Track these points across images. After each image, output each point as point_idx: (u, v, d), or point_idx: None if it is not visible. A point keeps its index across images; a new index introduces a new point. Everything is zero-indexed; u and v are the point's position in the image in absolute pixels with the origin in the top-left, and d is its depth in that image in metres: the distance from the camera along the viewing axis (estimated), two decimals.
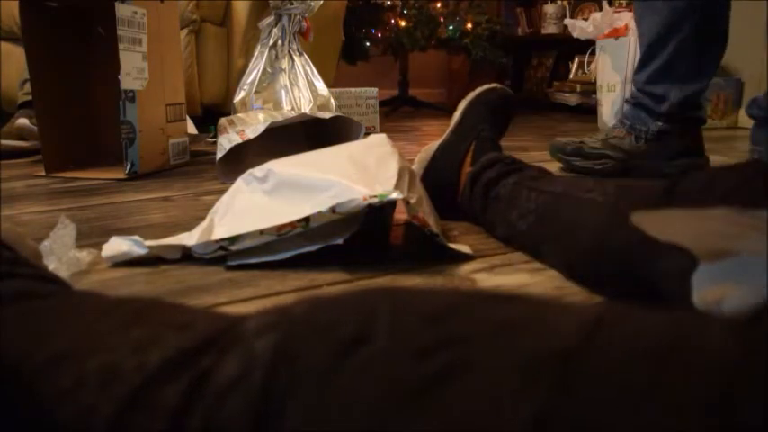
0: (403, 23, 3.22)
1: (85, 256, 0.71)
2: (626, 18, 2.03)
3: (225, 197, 0.78)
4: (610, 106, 2.12)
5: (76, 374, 0.27)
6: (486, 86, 0.98)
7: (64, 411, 0.27)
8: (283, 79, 1.45)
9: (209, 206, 0.79)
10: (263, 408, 0.23)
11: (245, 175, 0.78)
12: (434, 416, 0.20)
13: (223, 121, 1.33)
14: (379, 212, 0.75)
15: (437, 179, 0.90)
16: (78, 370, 0.27)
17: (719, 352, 0.18)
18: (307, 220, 0.68)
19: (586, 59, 2.76)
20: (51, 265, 0.66)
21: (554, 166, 1.31)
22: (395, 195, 0.68)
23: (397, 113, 3.15)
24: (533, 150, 1.72)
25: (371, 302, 0.25)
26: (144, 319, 0.30)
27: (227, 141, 1.24)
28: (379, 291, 0.27)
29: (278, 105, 1.43)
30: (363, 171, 0.73)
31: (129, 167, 1.32)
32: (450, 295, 0.26)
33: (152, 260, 0.73)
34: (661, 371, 0.18)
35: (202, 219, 0.76)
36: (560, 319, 0.22)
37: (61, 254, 0.68)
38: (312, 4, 1.47)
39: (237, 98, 1.46)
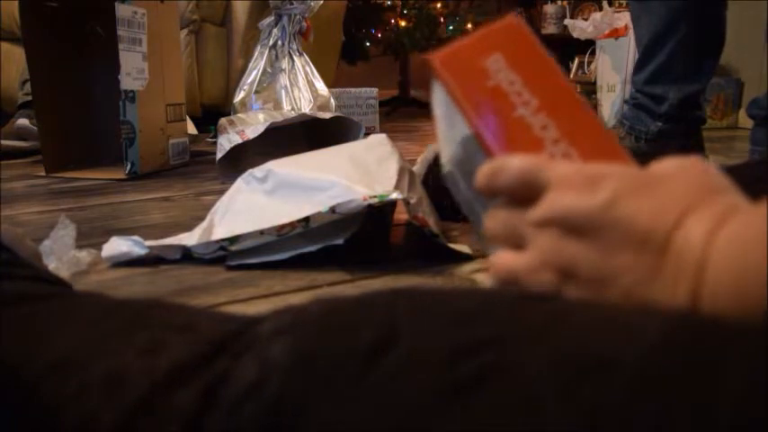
0: (403, 23, 3.22)
1: (85, 256, 0.71)
2: (626, 18, 2.03)
3: (225, 197, 0.78)
4: (610, 106, 2.12)
5: (81, 379, 0.27)
6: None
7: (69, 416, 0.26)
8: (283, 79, 1.45)
9: (209, 206, 0.79)
10: (282, 414, 0.22)
11: (245, 175, 0.78)
12: (470, 421, 0.19)
13: (223, 121, 1.33)
14: (379, 212, 0.75)
15: (440, 179, 0.90)
16: (83, 375, 0.27)
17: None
18: (307, 220, 0.68)
19: (586, 59, 2.76)
20: (51, 265, 0.66)
21: None
22: (395, 195, 0.67)
23: (397, 113, 3.15)
24: None
25: (390, 304, 0.24)
26: (146, 321, 0.30)
27: (227, 141, 1.24)
28: (396, 292, 0.26)
29: (278, 105, 1.43)
30: (363, 171, 0.73)
31: (129, 167, 1.32)
32: (475, 295, 0.25)
33: (152, 260, 0.73)
34: (703, 380, 0.18)
35: (202, 219, 0.76)
36: (595, 325, 0.21)
37: (61, 254, 0.68)
38: (312, 4, 1.47)
39: (237, 98, 1.46)
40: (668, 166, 0.27)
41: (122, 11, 1.26)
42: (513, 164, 0.29)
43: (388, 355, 0.22)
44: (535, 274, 0.28)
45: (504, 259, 0.29)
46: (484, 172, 0.30)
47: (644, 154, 1.22)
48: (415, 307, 0.24)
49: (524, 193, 0.28)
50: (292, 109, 1.42)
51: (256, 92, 1.45)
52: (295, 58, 1.47)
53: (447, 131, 0.35)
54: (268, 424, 0.22)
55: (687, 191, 0.26)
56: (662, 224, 0.25)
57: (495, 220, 0.30)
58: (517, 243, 0.29)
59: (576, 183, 0.27)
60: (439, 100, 0.35)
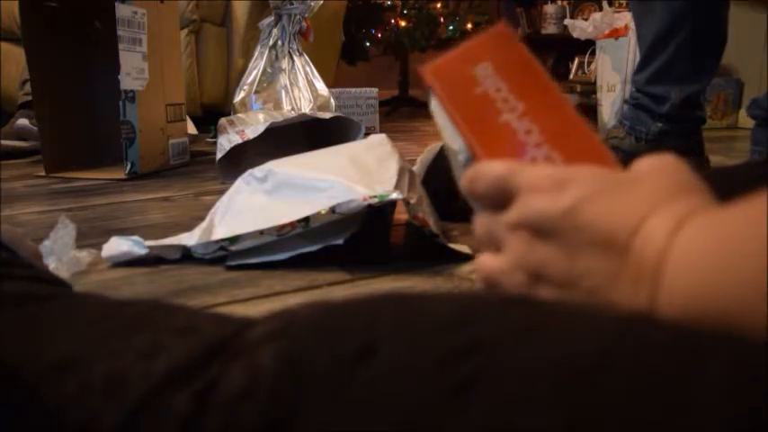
0: (403, 23, 3.22)
1: (85, 256, 0.71)
2: (626, 18, 2.03)
3: (225, 197, 0.78)
4: (610, 106, 2.12)
5: (81, 380, 0.27)
6: None
7: (70, 417, 0.26)
8: (283, 79, 1.45)
9: (209, 206, 0.79)
10: (272, 417, 0.22)
11: (245, 175, 0.78)
12: (460, 423, 0.19)
13: (223, 121, 1.33)
14: (379, 212, 0.75)
15: (439, 179, 0.90)
16: (83, 375, 0.27)
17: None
18: (306, 220, 0.68)
19: (586, 59, 2.76)
20: (51, 265, 0.66)
21: None
22: (395, 195, 0.67)
23: (397, 113, 3.15)
24: None
25: (377, 309, 0.25)
26: (145, 323, 0.30)
27: (227, 141, 1.24)
28: (385, 297, 0.26)
29: (278, 105, 1.43)
30: (363, 171, 0.73)
31: (129, 167, 1.32)
32: (462, 300, 0.25)
33: (152, 260, 0.73)
34: (689, 377, 0.18)
35: (202, 219, 0.76)
36: (582, 326, 0.21)
37: (61, 254, 0.68)
38: (312, 4, 1.47)
39: (237, 98, 1.46)
40: (642, 166, 0.28)
41: (122, 11, 1.26)
42: (490, 170, 0.30)
43: (376, 358, 0.22)
44: (509, 276, 0.29)
45: (486, 261, 0.31)
46: (466, 178, 0.31)
47: (644, 154, 1.22)
48: (403, 310, 0.24)
49: (501, 198, 0.30)
50: (292, 109, 1.42)
51: (256, 92, 1.45)
52: (295, 58, 1.47)
53: (450, 133, 0.36)
54: (260, 426, 0.22)
55: (653, 192, 0.26)
56: (623, 228, 0.25)
57: (478, 224, 0.32)
58: (497, 246, 0.30)
59: (545, 187, 0.27)
60: (436, 105, 0.36)
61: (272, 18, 1.47)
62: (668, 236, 0.24)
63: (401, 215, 0.86)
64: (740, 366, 0.18)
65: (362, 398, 0.21)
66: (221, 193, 0.81)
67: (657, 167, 0.28)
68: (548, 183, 0.28)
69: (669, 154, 0.28)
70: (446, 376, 0.20)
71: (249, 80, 1.46)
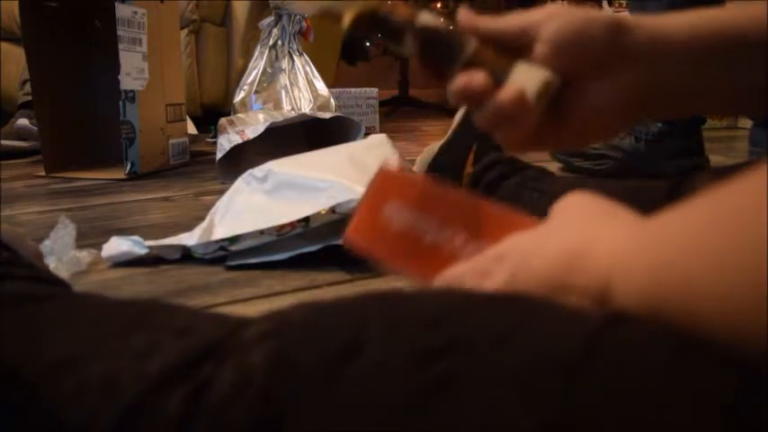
0: None
1: (85, 256, 0.71)
2: None
3: (225, 197, 0.78)
4: None
5: (79, 380, 0.27)
6: None
7: (68, 416, 0.27)
8: (283, 79, 1.45)
9: (209, 206, 0.79)
10: (263, 417, 0.23)
11: (245, 175, 0.78)
12: (439, 422, 0.19)
13: (223, 121, 1.33)
14: None
15: (439, 179, 0.90)
16: (81, 375, 0.27)
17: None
18: (306, 220, 0.68)
19: None
20: (51, 265, 0.66)
21: (555, 167, 1.31)
22: None
23: (397, 113, 3.15)
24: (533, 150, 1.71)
25: (365, 309, 0.25)
26: (144, 323, 0.30)
27: (227, 141, 1.24)
28: (374, 296, 0.26)
29: (278, 105, 1.43)
30: (363, 171, 0.73)
31: (129, 167, 1.32)
32: (449, 297, 0.25)
33: (152, 260, 0.73)
34: (671, 377, 0.18)
35: (202, 219, 0.76)
36: (562, 326, 0.21)
37: (61, 254, 0.68)
38: None
39: (237, 98, 1.46)
40: (558, 210, 0.31)
41: (122, 11, 1.26)
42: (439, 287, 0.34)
43: (362, 357, 0.22)
44: None
45: None
46: None
47: (643, 155, 1.22)
48: (391, 309, 0.25)
49: None
50: (292, 109, 1.42)
51: (256, 92, 1.45)
52: (295, 57, 1.47)
53: None
54: (251, 425, 0.23)
55: (575, 231, 0.29)
56: (561, 272, 0.27)
57: None
58: None
59: (486, 269, 0.31)
60: None
61: (272, 18, 1.47)
62: (605, 264, 0.25)
63: None
64: (739, 367, 0.18)
65: (351, 396, 0.21)
66: (221, 193, 0.81)
67: (572, 207, 0.31)
68: (487, 263, 0.31)
69: (581, 191, 0.31)
70: (425, 374, 0.21)
71: (249, 80, 1.46)
